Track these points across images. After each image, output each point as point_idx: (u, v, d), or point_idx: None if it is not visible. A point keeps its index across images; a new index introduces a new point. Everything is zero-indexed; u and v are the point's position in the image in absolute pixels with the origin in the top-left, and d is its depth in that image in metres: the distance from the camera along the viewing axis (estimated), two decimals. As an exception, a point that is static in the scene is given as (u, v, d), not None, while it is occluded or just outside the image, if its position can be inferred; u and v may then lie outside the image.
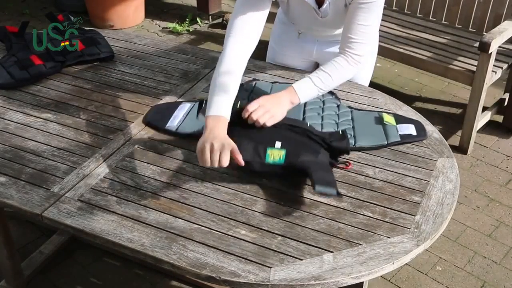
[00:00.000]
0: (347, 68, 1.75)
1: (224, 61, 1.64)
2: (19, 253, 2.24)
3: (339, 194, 1.47)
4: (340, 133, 1.71)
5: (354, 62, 1.76)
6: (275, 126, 1.65)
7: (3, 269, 2.21)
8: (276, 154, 1.55)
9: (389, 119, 1.83)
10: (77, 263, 2.41)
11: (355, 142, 1.72)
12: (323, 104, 1.87)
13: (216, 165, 1.47)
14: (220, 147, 1.47)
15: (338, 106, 1.89)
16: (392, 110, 1.91)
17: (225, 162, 1.47)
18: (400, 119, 1.84)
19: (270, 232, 1.44)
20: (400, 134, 1.76)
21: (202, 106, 1.86)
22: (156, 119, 1.83)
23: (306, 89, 1.71)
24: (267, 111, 1.63)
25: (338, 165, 1.64)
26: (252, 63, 2.06)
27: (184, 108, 1.86)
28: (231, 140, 1.51)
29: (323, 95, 1.88)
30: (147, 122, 1.82)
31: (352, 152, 1.70)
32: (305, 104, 1.84)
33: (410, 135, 1.77)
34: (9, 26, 2.29)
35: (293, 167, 1.55)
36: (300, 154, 1.56)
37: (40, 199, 1.54)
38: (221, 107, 1.56)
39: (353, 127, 1.77)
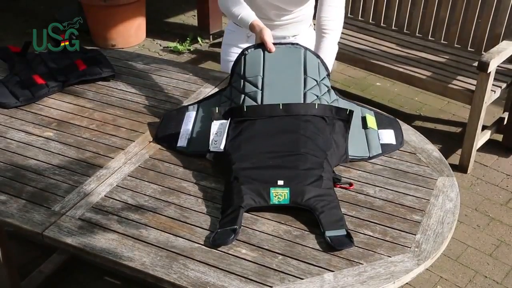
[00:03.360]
0: (334, 43, 2.08)
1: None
2: (19, 272, 2.23)
3: (351, 240, 1.44)
4: (347, 112, 1.75)
5: (333, 35, 2.07)
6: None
7: (2, 288, 2.20)
8: (280, 193, 1.53)
9: (371, 123, 1.85)
10: (76, 283, 2.39)
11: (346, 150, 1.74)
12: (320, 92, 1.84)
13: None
14: (269, 35, 1.93)
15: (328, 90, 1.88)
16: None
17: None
18: (381, 120, 1.88)
19: (270, 251, 1.44)
20: (381, 144, 1.79)
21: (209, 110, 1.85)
22: (165, 136, 1.84)
23: None
24: None
25: (341, 185, 1.65)
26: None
27: (190, 118, 1.87)
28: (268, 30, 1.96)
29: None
30: (157, 139, 1.84)
31: (353, 171, 1.71)
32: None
33: (390, 144, 1.80)
34: (12, 45, 2.31)
35: (299, 207, 1.53)
36: (305, 191, 1.53)
37: (41, 218, 1.54)
38: (253, 15, 2.03)
39: None
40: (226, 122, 1.72)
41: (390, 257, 1.42)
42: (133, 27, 4.28)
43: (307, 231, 1.49)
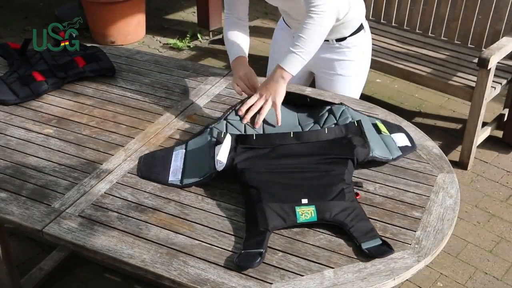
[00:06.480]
0: (317, 23, 1.81)
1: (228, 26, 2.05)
2: (18, 270, 2.23)
3: (390, 247, 1.42)
4: (356, 124, 1.75)
5: (318, 15, 1.80)
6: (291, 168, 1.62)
7: (2, 285, 2.19)
8: (306, 211, 1.49)
9: (383, 128, 1.83)
10: (77, 280, 2.40)
11: (371, 150, 1.69)
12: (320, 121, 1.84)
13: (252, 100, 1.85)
14: (245, 76, 1.92)
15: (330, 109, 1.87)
16: (392, 126, 1.92)
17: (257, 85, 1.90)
18: (390, 127, 1.85)
19: (270, 248, 1.44)
20: (399, 147, 1.77)
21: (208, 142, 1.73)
22: (154, 172, 1.68)
23: (293, 61, 1.82)
24: (266, 101, 1.82)
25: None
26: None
27: (179, 155, 1.72)
28: (251, 69, 1.94)
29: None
30: (143, 177, 1.67)
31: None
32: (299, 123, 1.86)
33: (407, 146, 1.78)
34: (12, 42, 2.31)
35: (328, 223, 1.50)
36: (330, 206, 1.49)
37: (41, 215, 1.54)
38: (237, 51, 1.99)
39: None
40: (229, 139, 1.67)
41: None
42: (132, 24, 4.27)
43: (307, 228, 1.49)
